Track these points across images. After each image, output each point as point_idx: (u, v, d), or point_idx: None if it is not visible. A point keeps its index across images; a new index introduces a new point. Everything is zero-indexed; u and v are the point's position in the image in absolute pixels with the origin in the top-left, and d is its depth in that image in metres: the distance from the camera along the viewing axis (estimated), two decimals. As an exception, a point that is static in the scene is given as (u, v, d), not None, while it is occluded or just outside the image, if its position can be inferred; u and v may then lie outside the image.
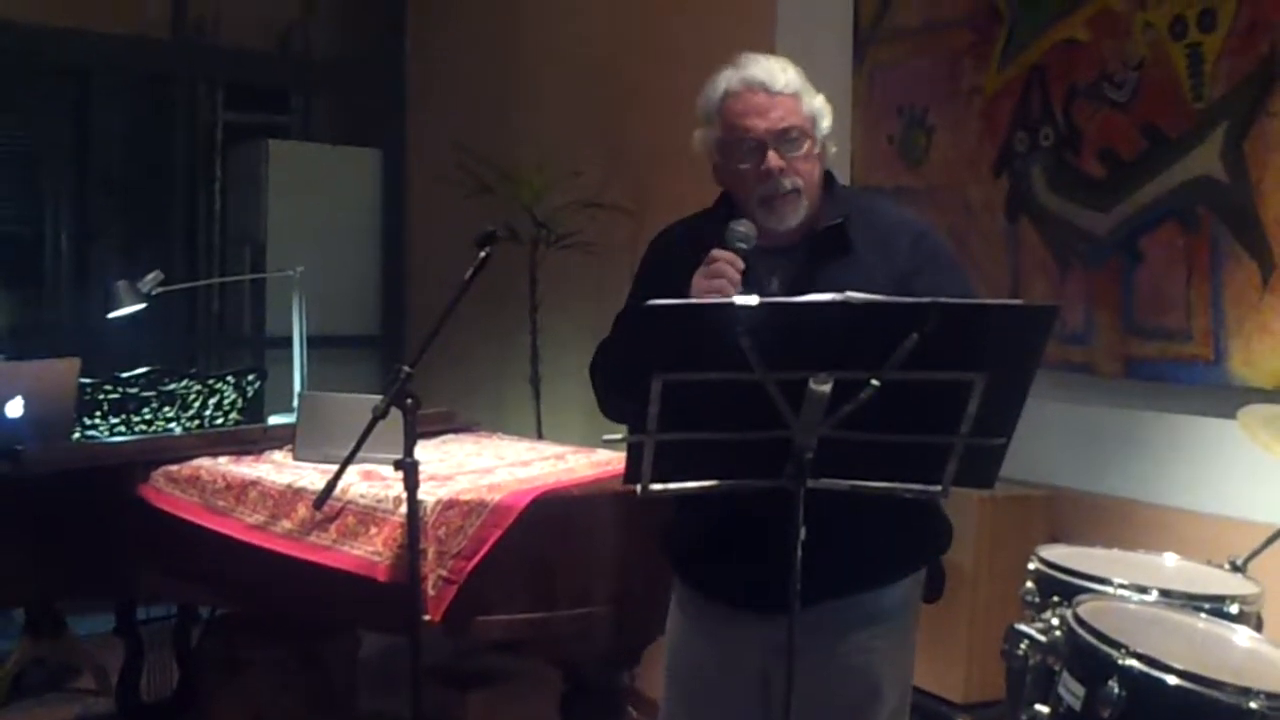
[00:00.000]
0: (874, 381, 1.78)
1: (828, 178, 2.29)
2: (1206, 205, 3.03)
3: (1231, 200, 2.98)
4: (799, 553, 1.87)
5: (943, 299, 1.79)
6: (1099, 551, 2.62)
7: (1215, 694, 1.88)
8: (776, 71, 2.22)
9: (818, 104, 2.25)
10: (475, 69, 5.74)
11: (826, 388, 1.79)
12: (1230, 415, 2.58)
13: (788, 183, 2.19)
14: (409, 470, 2.49)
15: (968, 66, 3.62)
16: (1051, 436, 3.24)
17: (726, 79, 2.23)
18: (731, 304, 1.75)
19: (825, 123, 2.26)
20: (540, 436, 4.53)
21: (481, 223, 2.84)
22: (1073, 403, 3.30)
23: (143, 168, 6.17)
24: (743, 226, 2.13)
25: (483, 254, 2.57)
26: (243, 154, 6.16)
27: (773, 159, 2.18)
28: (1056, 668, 2.13)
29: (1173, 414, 3.13)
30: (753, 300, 1.75)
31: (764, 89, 2.19)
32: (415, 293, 6.25)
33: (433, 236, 6.02)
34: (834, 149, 2.31)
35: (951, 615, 3.06)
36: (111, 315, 3.94)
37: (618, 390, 2.23)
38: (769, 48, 4.12)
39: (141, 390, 3.67)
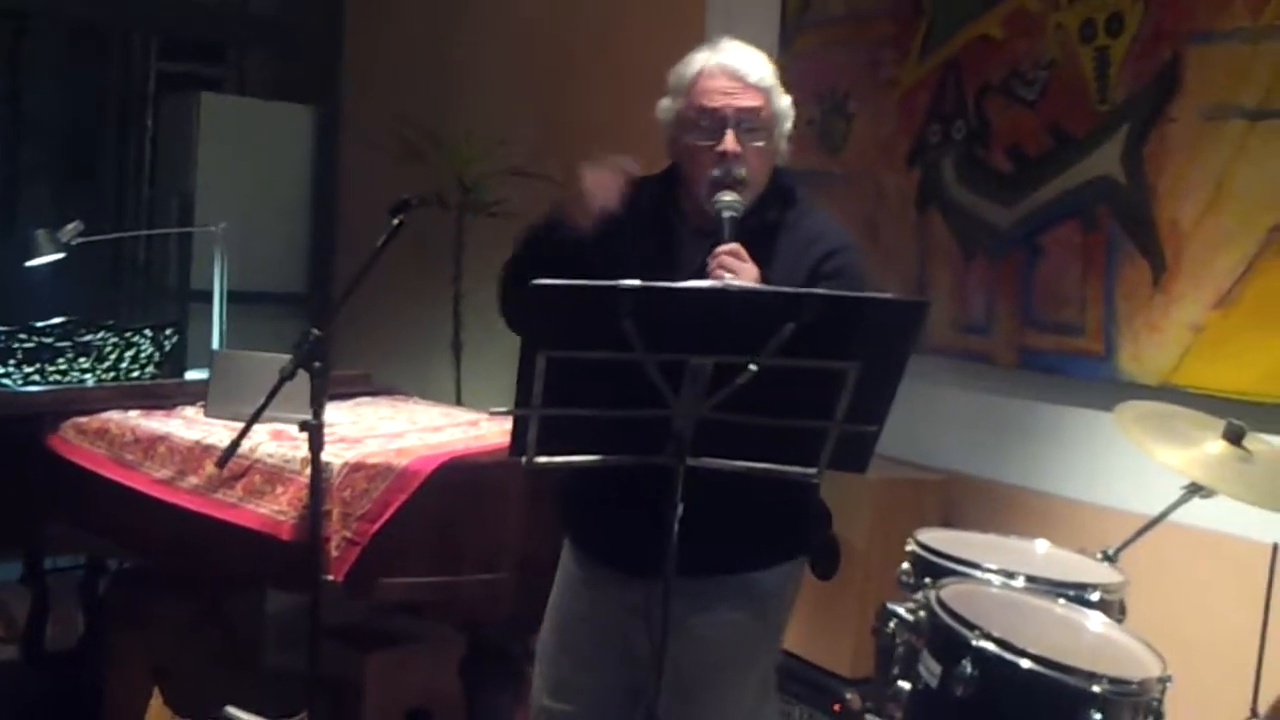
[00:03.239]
0: (751, 366, 1.84)
1: (776, 175, 2.34)
2: (1106, 205, 3.13)
3: (1129, 201, 3.07)
4: (675, 527, 1.94)
5: (817, 290, 1.85)
6: (975, 536, 2.71)
7: (1063, 677, 1.98)
8: (753, 63, 2.27)
9: (784, 104, 2.31)
10: (414, 32, 5.73)
11: (706, 369, 1.85)
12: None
13: (739, 171, 2.22)
14: (314, 432, 2.53)
15: (888, 57, 3.69)
16: (948, 422, 3.33)
17: (704, 59, 2.28)
18: (616, 287, 1.80)
19: (786, 125, 2.31)
20: (459, 403, 4.57)
21: (412, 187, 2.85)
22: (970, 390, 3.39)
23: (74, 115, 6.10)
24: (729, 196, 2.18)
25: (395, 222, 2.59)
26: (175, 105, 6.10)
27: (729, 140, 2.22)
28: (919, 646, 2.22)
29: (1063, 406, 3.23)
30: (635, 284, 1.80)
31: (739, 77, 2.25)
32: (344, 252, 6.23)
33: (364, 198, 5.99)
34: (786, 150, 2.34)
35: (843, 592, 3.16)
36: (29, 264, 3.91)
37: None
38: (699, 28, 4.17)
39: (57, 340, 3.65)
